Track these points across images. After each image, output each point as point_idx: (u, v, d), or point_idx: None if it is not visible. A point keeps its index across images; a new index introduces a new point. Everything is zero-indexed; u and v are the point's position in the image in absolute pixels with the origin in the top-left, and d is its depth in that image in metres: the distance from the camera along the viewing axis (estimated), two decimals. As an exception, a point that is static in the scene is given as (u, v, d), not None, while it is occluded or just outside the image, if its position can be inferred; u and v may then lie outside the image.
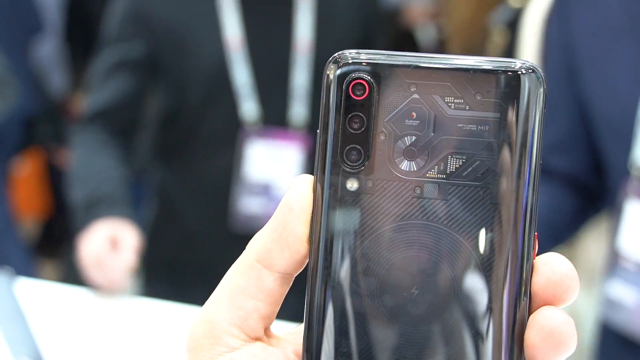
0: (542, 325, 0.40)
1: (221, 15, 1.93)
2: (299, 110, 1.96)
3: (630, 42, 1.41)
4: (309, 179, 0.43)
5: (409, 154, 0.42)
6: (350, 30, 2.00)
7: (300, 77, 1.95)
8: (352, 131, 0.42)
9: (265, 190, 1.97)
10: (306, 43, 1.96)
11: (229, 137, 1.96)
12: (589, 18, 1.46)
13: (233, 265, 0.44)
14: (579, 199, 1.52)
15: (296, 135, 1.96)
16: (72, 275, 2.26)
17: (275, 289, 0.43)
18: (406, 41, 3.26)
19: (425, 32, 3.32)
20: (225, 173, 1.97)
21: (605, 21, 1.44)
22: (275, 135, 1.96)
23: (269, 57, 1.96)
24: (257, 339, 0.43)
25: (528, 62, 0.41)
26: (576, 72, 1.46)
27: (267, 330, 0.44)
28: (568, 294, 0.41)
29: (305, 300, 0.42)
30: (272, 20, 1.97)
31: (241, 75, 1.93)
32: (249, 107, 1.94)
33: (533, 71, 0.41)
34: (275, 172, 1.98)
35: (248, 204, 1.97)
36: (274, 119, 1.96)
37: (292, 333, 0.45)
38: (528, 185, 0.41)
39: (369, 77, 0.41)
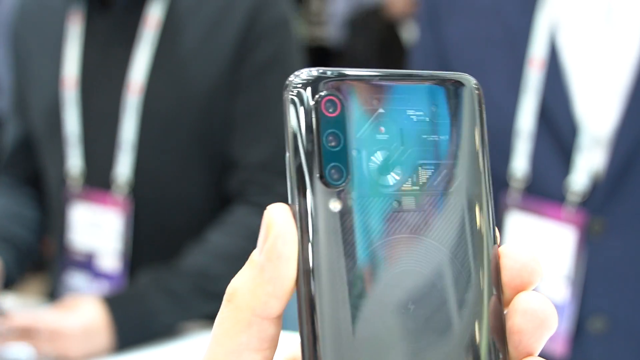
0: (524, 308, 0.40)
1: (65, 47, 1.64)
2: (122, 169, 1.58)
3: (504, 52, 1.42)
4: (286, 211, 0.39)
5: (383, 169, 0.40)
6: (201, 79, 1.55)
7: (127, 129, 1.57)
8: (329, 149, 0.39)
9: (87, 262, 1.63)
10: (137, 87, 1.57)
11: (60, 195, 1.66)
12: (462, 28, 1.47)
13: (223, 324, 0.40)
14: None
15: (117, 199, 1.58)
16: None
17: (276, 332, 0.40)
18: (390, 36, 3.21)
19: (409, 28, 3.12)
20: (57, 238, 1.67)
21: (478, 31, 1.45)
22: (96, 197, 1.61)
23: (101, 102, 1.61)
24: None
25: (465, 74, 0.43)
26: None
27: None
28: (534, 276, 0.41)
29: (300, 333, 0.39)
30: (112, 57, 1.61)
31: (72, 121, 1.62)
32: (74, 162, 1.62)
33: (472, 82, 0.43)
34: (97, 242, 1.62)
35: (72, 278, 1.64)
36: (98, 178, 1.61)
37: None
38: (488, 185, 0.42)
39: (338, 93, 0.40)
